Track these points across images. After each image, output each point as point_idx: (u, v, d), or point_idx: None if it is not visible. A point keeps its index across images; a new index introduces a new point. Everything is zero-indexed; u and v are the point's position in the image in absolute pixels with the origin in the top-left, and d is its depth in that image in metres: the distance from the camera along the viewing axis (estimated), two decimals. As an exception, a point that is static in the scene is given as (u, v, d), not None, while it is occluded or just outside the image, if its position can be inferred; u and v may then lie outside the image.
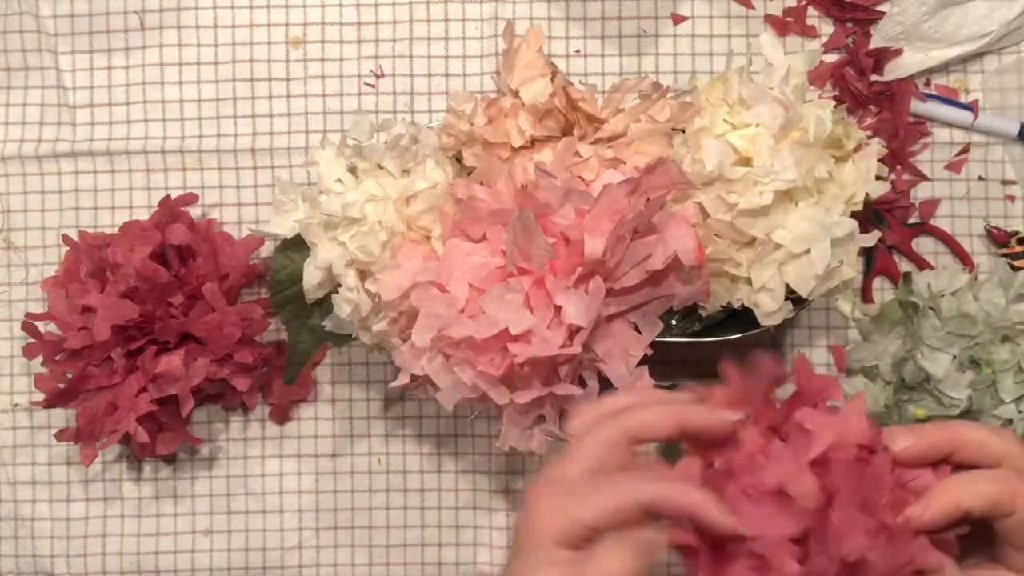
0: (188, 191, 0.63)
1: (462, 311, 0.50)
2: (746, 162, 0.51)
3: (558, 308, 0.48)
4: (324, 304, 0.55)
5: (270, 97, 0.64)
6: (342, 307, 0.53)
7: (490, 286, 0.49)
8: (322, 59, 0.64)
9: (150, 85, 0.64)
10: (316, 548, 0.64)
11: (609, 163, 0.52)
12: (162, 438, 0.59)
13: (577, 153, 0.52)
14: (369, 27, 0.64)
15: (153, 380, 0.57)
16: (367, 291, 0.53)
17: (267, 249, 0.62)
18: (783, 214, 0.51)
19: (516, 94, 0.54)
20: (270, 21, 0.64)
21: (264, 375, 0.62)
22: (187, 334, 0.58)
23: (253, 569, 0.64)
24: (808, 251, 0.51)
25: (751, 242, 0.52)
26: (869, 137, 0.62)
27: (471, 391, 0.49)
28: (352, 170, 0.54)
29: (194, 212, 0.63)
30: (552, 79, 0.53)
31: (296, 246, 0.55)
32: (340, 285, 0.53)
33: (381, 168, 0.53)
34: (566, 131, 0.53)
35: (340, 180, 0.54)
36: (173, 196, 0.62)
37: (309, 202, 0.54)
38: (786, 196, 0.51)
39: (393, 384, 0.51)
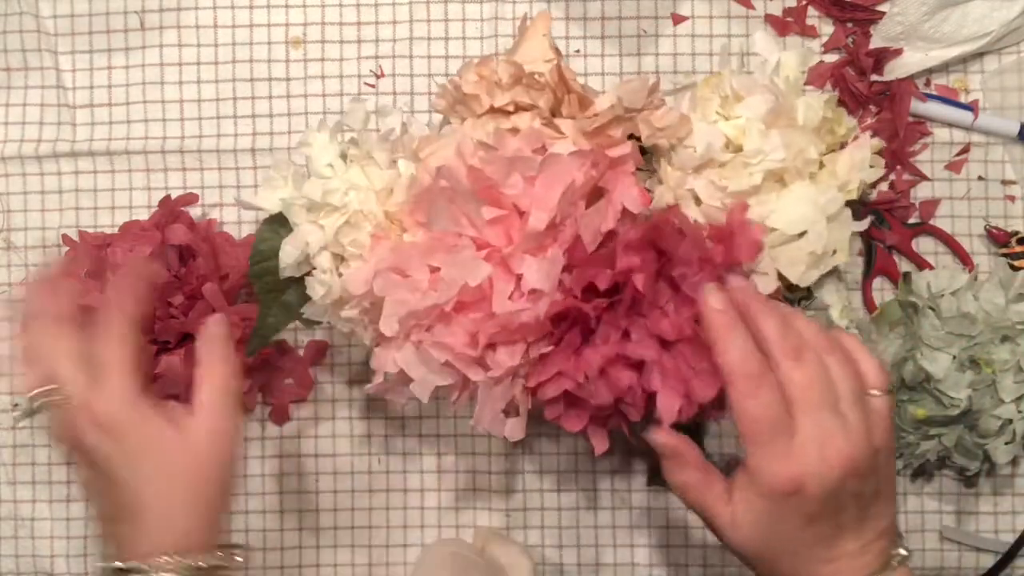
0: (188, 191, 0.63)
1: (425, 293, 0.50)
2: (738, 151, 0.52)
3: (519, 278, 0.49)
4: (299, 283, 0.55)
5: (270, 97, 0.64)
6: (315, 289, 0.53)
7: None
8: (322, 59, 0.64)
9: (150, 85, 0.64)
10: (316, 548, 0.64)
11: (587, 136, 0.52)
12: (162, 438, 0.59)
13: (557, 128, 0.52)
14: (369, 27, 0.64)
15: (153, 380, 0.57)
16: (341, 275, 0.53)
17: (267, 249, 0.63)
18: (775, 198, 0.51)
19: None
20: (270, 21, 0.64)
21: (264, 375, 0.62)
22: (187, 334, 0.58)
23: (253, 569, 0.64)
24: (801, 235, 0.51)
25: None
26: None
27: (445, 376, 0.49)
28: (344, 156, 0.54)
29: (194, 212, 0.63)
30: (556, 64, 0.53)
31: (283, 222, 0.55)
32: (315, 267, 0.53)
33: (371, 158, 0.54)
34: (554, 109, 0.53)
35: (331, 165, 0.54)
36: (173, 196, 0.62)
37: (294, 183, 0.54)
38: (778, 181, 0.52)
39: (368, 387, 0.51)
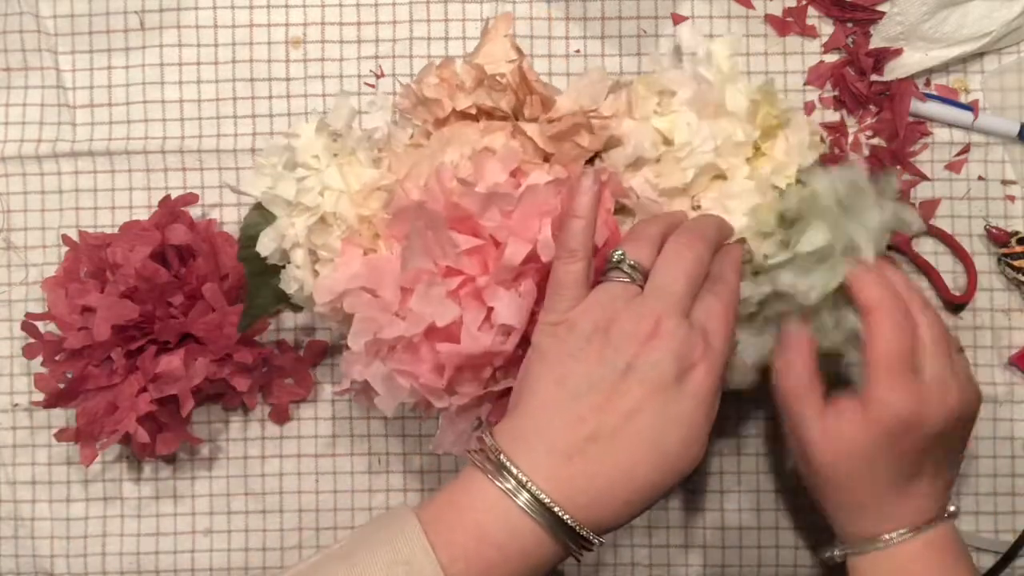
0: (188, 191, 0.63)
1: (396, 314, 0.50)
2: (670, 145, 0.52)
3: (491, 309, 0.48)
4: (285, 270, 0.56)
5: (270, 97, 0.64)
6: (289, 283, 0.53)
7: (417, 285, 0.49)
8: (322, 59, 0.64)
9: (150, 85, 0.64)
10: (316, 548, 0.64)
11: (551, 140, 0.51)
12: (162, 438, 0.59)
13: (523, 132, 0.51)
14: (369, 27, 0.64)
15: (153, 380, 0.57)
16: (316, 272, 0.53)
17: (267, 249, 0.63)
18: (716, 197, 0.52)
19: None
20: (270, 21, 0.64)
21: (264, 375, 0.62)
22: (187, 334, 0.58)
23: (253, 569, 0.64)
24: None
25: None
26: (869, 137, 0.62)
27: (410, 396, 0.49)
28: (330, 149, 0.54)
29: (194, 212, 0.63)
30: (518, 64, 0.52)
31: None
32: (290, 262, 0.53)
33: (354, 155, 0.53)
34: (516, 111, 0.52)
35: (317, 156, 0.54)
36: (173, 196, 0.62)
37: (272, 176, 0.54)
38: (717, 176, 0.51)
39: (336, 390, 0.51)
